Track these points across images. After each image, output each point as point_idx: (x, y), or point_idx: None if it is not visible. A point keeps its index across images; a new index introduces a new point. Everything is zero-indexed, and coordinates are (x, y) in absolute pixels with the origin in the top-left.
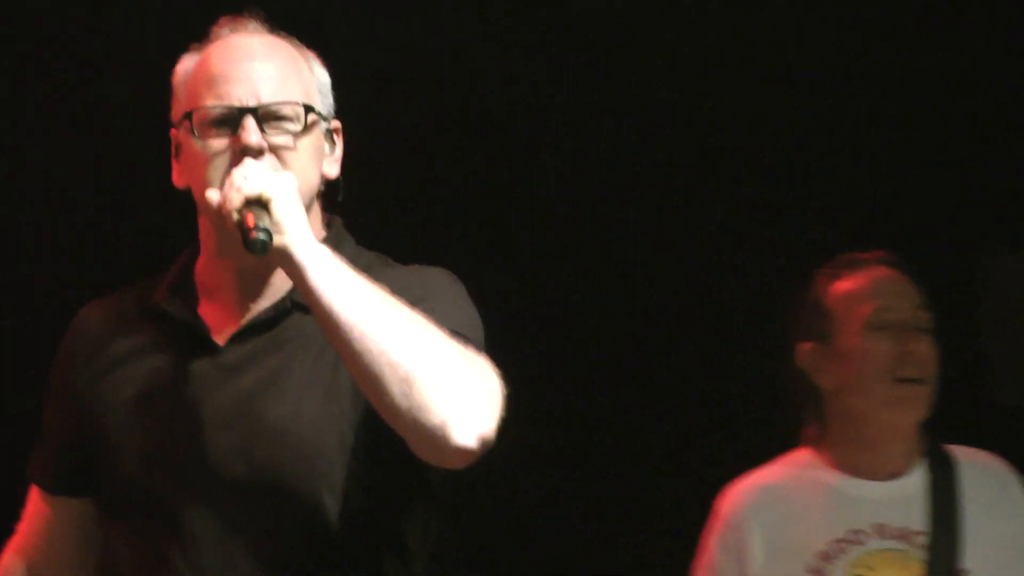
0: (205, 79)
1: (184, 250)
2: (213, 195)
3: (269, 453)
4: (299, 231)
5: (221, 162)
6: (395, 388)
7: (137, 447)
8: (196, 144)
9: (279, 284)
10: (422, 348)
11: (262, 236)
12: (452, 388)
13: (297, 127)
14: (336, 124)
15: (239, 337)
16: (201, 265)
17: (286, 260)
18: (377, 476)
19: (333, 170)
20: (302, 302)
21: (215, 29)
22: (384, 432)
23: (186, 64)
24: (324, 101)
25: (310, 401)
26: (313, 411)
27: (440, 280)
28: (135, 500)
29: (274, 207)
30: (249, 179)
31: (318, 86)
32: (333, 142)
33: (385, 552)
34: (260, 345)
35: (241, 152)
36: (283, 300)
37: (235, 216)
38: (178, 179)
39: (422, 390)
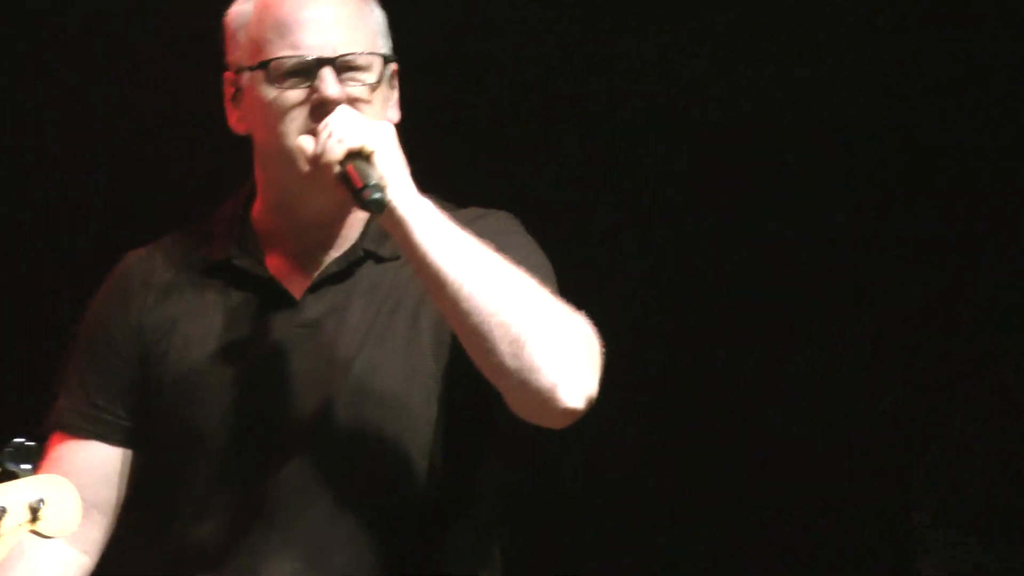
0: (274, 25)
1: (227, 199)
2: (307, 143)
3: (354, 408)
4: (403, 185)
5: (297, 113)
6: (504, 349)
7: (217, 402)
8: (268, 94)
9: (347, 231)
10: (531, 307)
11: (377, 195)
12: (561, 349)
13: (373, 77)
14: (395, 66)
15: (313, 289)
16: (260, 214)
17: (389, 215)
18: (457, 428)
19: (395, 114)
20: (374, 250)
21: None
22: (465, 384)
23: (244, 6)
24: (385, 43)
25: (392, 354)
26: (396, 364)
27: (510, 228)
28: (213, 454)
29: (377, 159)
30: (350, 129)
31: (380, 28)
32: (393, 85)
33: (463, 503)
34: (336, 297)
35: (319, 104)
36: (354, 249)
37: (336, 168)
38: (237, 124)
39: (532, 351)
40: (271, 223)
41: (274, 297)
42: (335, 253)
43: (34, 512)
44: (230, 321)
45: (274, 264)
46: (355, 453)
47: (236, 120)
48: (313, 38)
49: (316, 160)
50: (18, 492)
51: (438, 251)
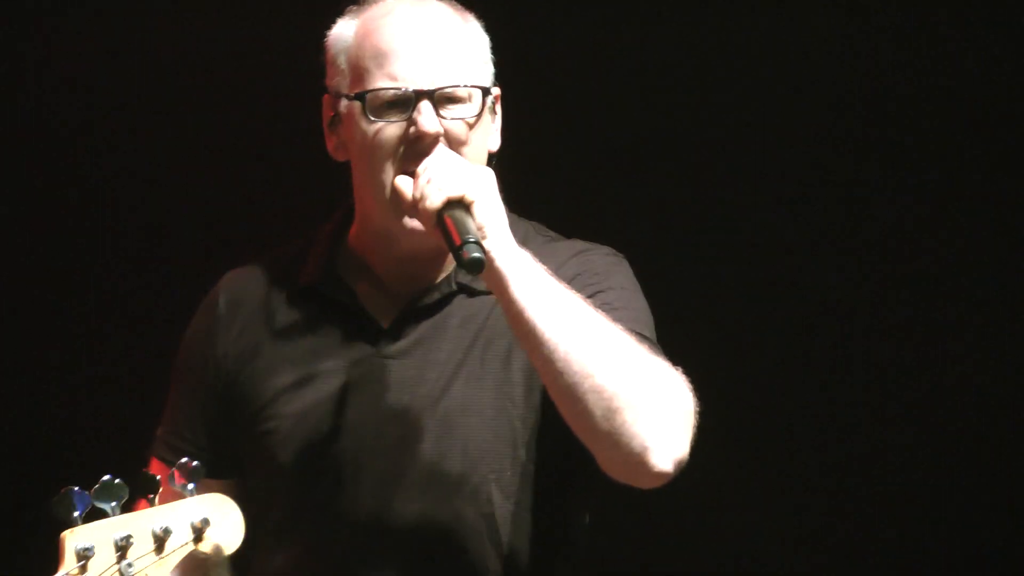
0: (374, 53)
1: (324, 223)
2: (405, 185)
3: (439, 446)
4: (501, 237)
5: (394, 148)
6: (598, 411)
7: (299, 431)
8: (366, 126)
9: (440, 262)
10: (627, 370)
11: (476, 254)
12: (656, 414)
13: (473, 110)
14: (497, 92)
15: (403, 321)
16: (355, 239)
17: (488, 268)
18: (544, 471)
19: (495, 143)
20: (467, 284)
21: None
22: (555, 432)
23: (345, 29)
24: (488, 70)
25: (481, 394)
26: (484, 405)
27: (612, 267)
28: (293, 484)
29: (476, 210)
30: (449, 176)
31: (483, 55)
32: (494, 112)
33: (547, 544)
34: (426, 330)
35: (417, 139)
36: (446, 282)
37: (433, 216)
38: (335, 151)
39: (626, 416)
40: (366, 250)
41: (362, 325)
42: (426, 284)
43: (198, 532)
44: (314, 349)
45: (365, 292)
46: (437, 492)
47: (334, 146)
48: (412, 69)
49: (414, 205)
50: (182, 512)
51: (535, 309)
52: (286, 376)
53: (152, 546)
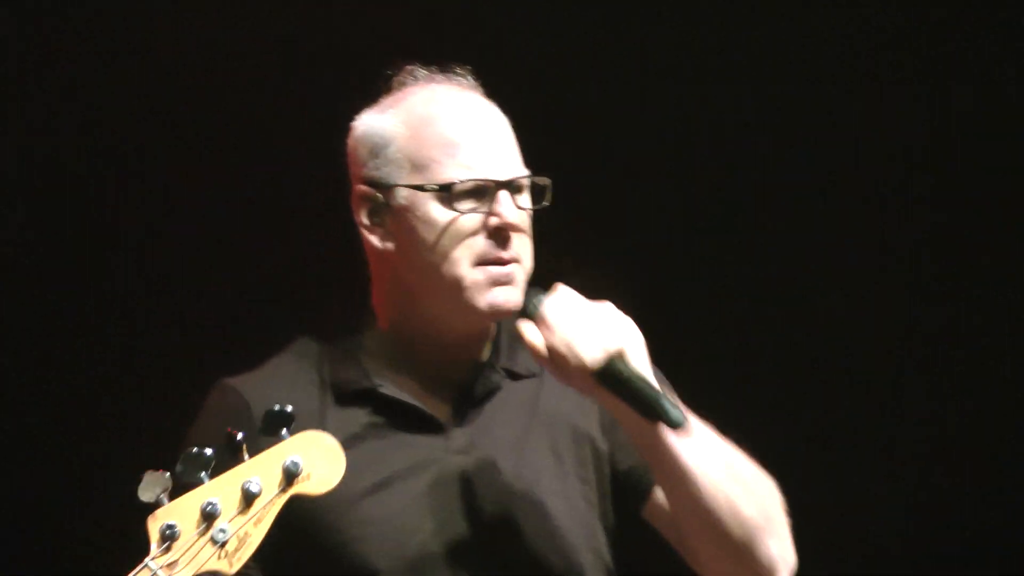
0: (442, 143)
1: (336, 318)
2: (533, 335)
3: (517, 547)
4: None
5: (468, 235)
6: (724, 551)
7: (394, 536)
8: (435, 213)
9: (477, 346)
10: (755, 507)
11: (676, 416)
12: (776, 544)
13: (537, 202)
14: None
15: (460, 412)
16: (393, 330)
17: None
18: (611, 545)
19: None
20: (510, 368)
21: (403, 77)
22: (611, 499)
23: (385, 120)
24: None
25: (545, 480)
26: (551, 491)
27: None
28: None
29: (630, 357)
30: (598, 326)
31: None
32: None
33: None
34: (480, 419)
35: (497, 229)
36: (491, 367)
37: (591, 372)
38: (381, 241)
39: (752, 554)
40: (405, 340)
41: (422, 421)
42: (470, 371)
43: (291, 476)
44: (381, 450)
45: (408, 385)
46: None
47: (380, 237)
48: (487, 159)
49: (555, 359)
50: (272, 460)
51: (690, 455)
52: (362, 480)
53: (244, 505)
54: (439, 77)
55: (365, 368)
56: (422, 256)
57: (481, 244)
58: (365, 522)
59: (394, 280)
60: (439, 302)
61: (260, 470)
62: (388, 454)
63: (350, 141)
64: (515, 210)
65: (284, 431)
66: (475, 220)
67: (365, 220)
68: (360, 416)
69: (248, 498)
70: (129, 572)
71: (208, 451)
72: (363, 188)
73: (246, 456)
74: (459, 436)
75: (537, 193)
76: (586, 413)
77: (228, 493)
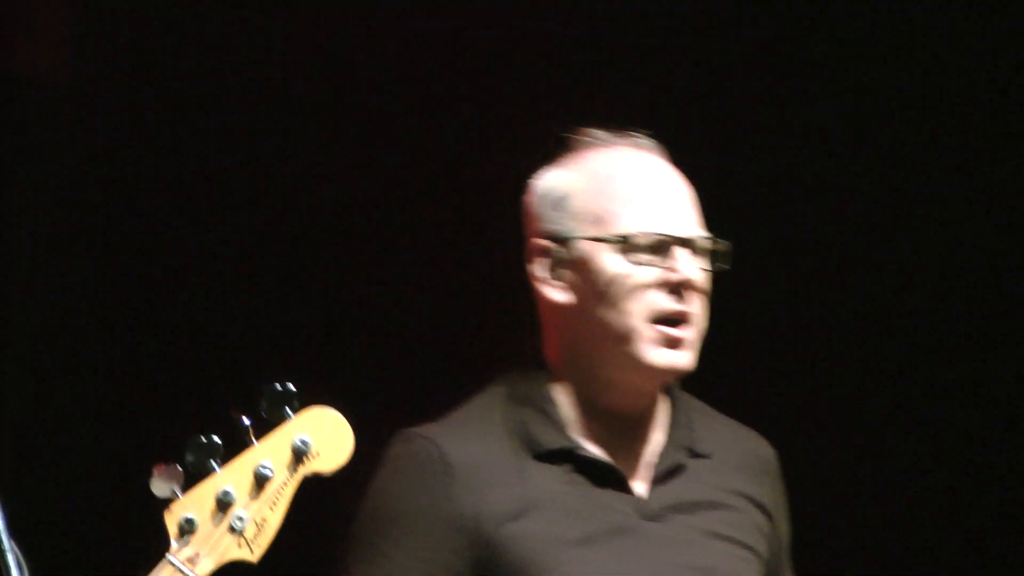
0: (626, 197)
1: (509, 377)
2: None
3: None
4: None
5: (645, 288)
6: None
7: None
8: (615, 266)
9: (652, 419)
10: None
11: None
12: None
13: (722, 263)
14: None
15: (644, 478)
16: (573, 391)
17: None
18: None
19: None
20: (691, 447)
21: (584, 137)
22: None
23: (565, 176)
24: None
25: (725, 556)
26: (733, 567)
27: (779, 470)
28: None
29: None
30: None
31: None
32: None
33: None
34: (673, 491)
35: (677, 285)
36: (675, 443)
37: None
38: (562, 292)
39: None
40: (583, 401)
41: (617, 485)
42: (650, 444)
43: (300, 455)
44: (580, 508)
45: (600, 445)
46: None
47: (556, 290)
48: (668, 216)
49: None
50: (280, 441)
51: None
52: (566, 535)
53: (257, 490)
54: (621, 139)
55: (560, 425)
56: (597, 308)
57: (657, 299)
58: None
59: (569, 334)
60: (611, 356)
61: (270, 452)
62: (587, 513)
63: (529, 196)
64: (694, 268)
65: (288, 409)
66: (652, 275)
67: (542, 273)
68: (559, 474)
69: (261, 482)
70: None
71: (216, 438)
72: (542, 242)
73: (254, 440)
74: (650, 504)
75: (716, 256)
76: (763, 494)
77: (241, 479)
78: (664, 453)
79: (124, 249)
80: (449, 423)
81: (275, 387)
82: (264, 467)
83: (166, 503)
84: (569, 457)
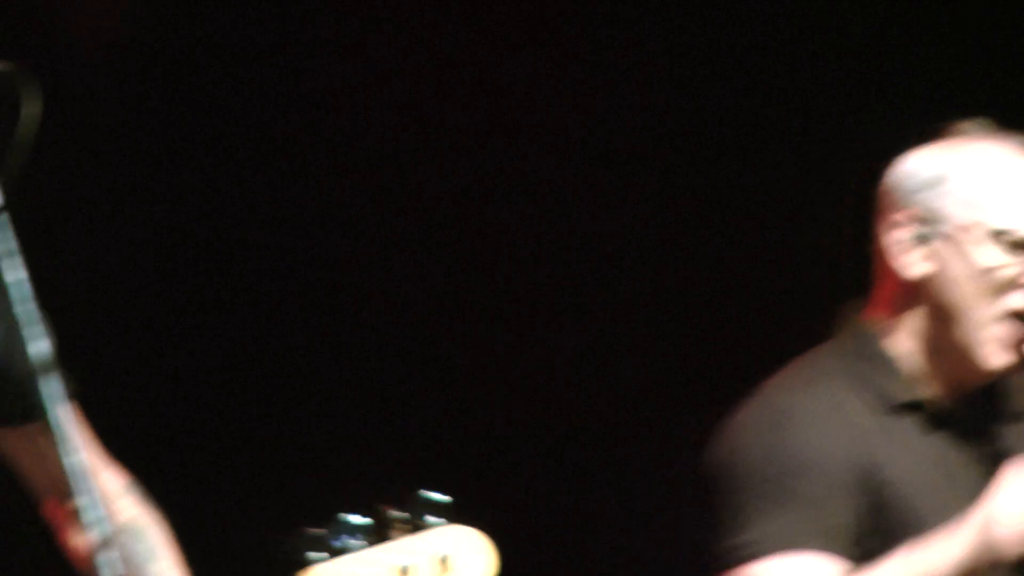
0: (1005, 192)
1: (850, 334)
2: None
3: None
4: None
5: (1006, 283)
6: None
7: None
8: (988, 257)
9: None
10: None
11: None
12: None
13: None
14: None
15: (991, 437)
16: (918, 352)
17: None
18: None
19: None
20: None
21: (961, 126)
22: None
23: (941, 158)
24: None
25: None
26: None
27: None
28: None
29: None
30: None
31: None
32: None
33: None
34: (1005, 441)
35: None
36: (1012, 390)
37: None
38: (914, 265)
39: None
40: (928, 365)
41: (964, 437)
42: (991, 394)
43: (440, 569)
44: (937, 460)
45: (944, 398)
46: None
47: (919, 263)
48: None
49: None
50: (426, 545)
51: None
52: (932, 483)
53: None
54: (998, 135)
55: (906, 380)
56: (953, 289)
57: (1015, 298)
58: (917, 511)
59: (914, 304)
60: (954, 335)
61: (415, 554)
62: (943, 460)
63: (895, 172)
64: None
65: (439, 518)
66: (1015, 272)
67: (902, 241)
68: (910, 425)
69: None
70: None
71: (370, 520)
72: (911, 212)
73: (398, 534)
74: (990, 445)
75: None
76: None
77: (383, 569)
78: (1007, 400)
79: None
80: (808, 381)
81: (429, 496)
82: (411, 567)
83: (304, 565)
84: (918, 408)
